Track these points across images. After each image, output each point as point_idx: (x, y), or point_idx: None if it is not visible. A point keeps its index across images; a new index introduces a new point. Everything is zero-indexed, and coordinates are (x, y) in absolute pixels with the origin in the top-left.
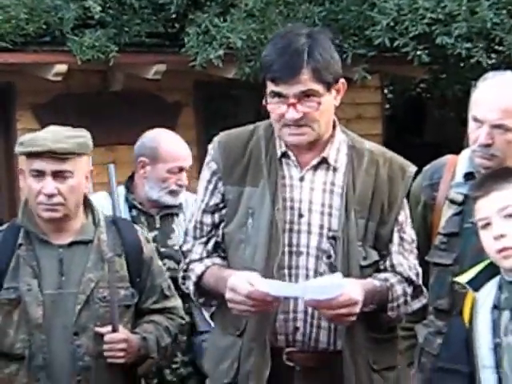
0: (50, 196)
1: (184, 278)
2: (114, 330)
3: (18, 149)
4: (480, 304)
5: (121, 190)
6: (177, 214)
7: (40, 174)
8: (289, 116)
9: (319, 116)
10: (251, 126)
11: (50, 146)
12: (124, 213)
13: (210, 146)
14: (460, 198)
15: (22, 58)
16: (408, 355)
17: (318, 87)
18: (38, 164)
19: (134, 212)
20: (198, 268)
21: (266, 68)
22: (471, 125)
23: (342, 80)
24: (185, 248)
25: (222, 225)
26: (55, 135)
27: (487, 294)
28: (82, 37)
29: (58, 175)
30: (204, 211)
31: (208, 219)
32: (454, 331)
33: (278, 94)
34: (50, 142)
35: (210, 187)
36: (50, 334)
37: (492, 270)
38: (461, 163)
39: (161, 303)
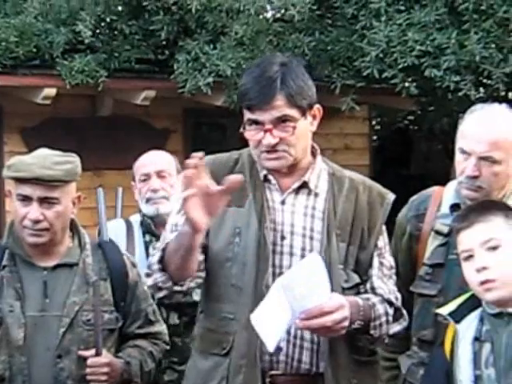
0: (36, 222)
1: (148, 274)
2: (98, 354)
3: (5, 173)
4: (461, 336)
5: (137, 217)
6: None
7: (26, 199)
8: (265, 141)
9: (295, 140)
10: (235, 153)
11: (37, 173)
12: (138, 238)
13: None
14: (445, 230)
15: (11, 81)
16: None
17: (293, 112)
18: (25, 189)
19: (147, 237)
20: (159, 246)
21: (241, 97)
22: (458, 156)
23: (318, 106)
24: (152, 253)
25: (204, 240)
26: (43, 161)
27: (468, 326)
28: (71, 61)
29: (44, 201)
30: (179, 213)
31: (182, 220)
32: (435, 363)
33: (255, 121)
34: (37, 168)
35: None
36: (32, 356)
37: (473, 302)
38: (447, 195)
39: (145, 328)
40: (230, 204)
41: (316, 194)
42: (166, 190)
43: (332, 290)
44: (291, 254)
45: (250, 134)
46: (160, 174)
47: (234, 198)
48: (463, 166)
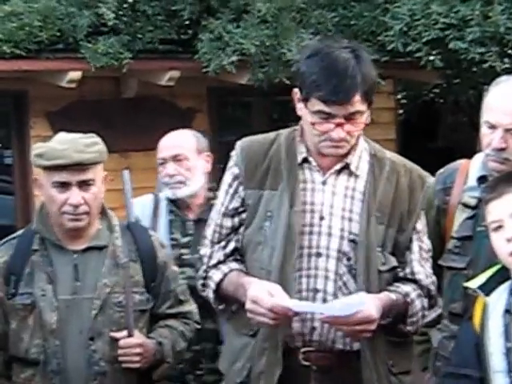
0: (77, 206)
1: (204, 285)
2: (130, 335)
3: (38, 161)
4: (491, 309)
5: (165, 194)
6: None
7: (64, 185)
8: (336, 135)
9: (358, 132)
10: (273, 134)
11: (75, 158)
12: (164, 216)
13: (233, 152)
14: (473, 202)
15: (35, 66)
16: (422, 360)
17: (364, 107)
18: (62, 176)
19: (172, 215)
20: (216, 275)
21: (313, 87)
22: (484, 129)
23: None
24: (203, 252)
25: (242, 229)
26: (74, 146)
27: (498, 299)
28: (95, 44)
29: (82, 184)
30: (224, 214)
31: (228, 222)
32: (464, 336)
33: (327, 113)
34: (73, 153)
35: (231, 191)
36: (65, 339)
37: (503, 275)
38: (473, 167)
39: (175, 308)
40: (264, 188)
41: (356, 176)
42: (182, 174)
43: (369, 273)
44: (329, 235)
45: (318, 123)
46: (176, 158)
47: (269, 181)
48: (489, 138)
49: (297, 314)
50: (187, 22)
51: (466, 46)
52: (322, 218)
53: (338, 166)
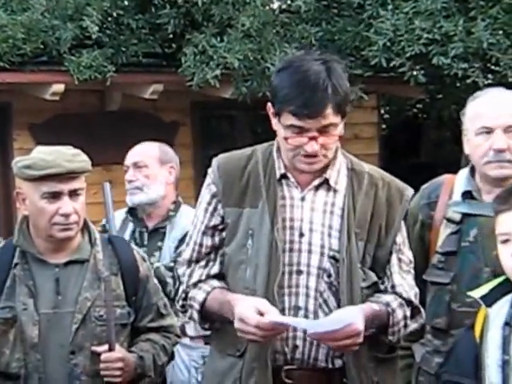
0: (68, 215)
1: (184, 306)
2: (111, 349)
3: (27, 173)
4: (491, 320)
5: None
6: (164, 233)
7: (55, 195)
8: (310, 149)
9: (334, 144)
10: (249, 150)
11: (68, 167)
12: (130, 227)
13: (210, 170)
14: (458, 217)
15: (19, 78)
16: (405, 374)
17: (337, 119)
18: (53, 185)
19: (133, 226)
20: (199, 295)
21: (285, 101)
22: (477, 139)
23: None
24: (180, 272)
25: (223, 249)
26: (62, 155)
27: (499, 311)
28: (79, 57)
29: (72, 194)
30: (203, 233)
31: (208, 241)
32: (463, 345)
33: (299, 127)
34: (63, 162)
35: (210, 209)
36: (46, 353)
37: (506, 287)
38: (458, 182)
39: (157, 322)
40: (244, 205)
41: (335, 191)
42: (139, 180)
43: (352, 291)
44: (310, 252)
45: (290, 137)
46: (136, 165)
47: (248, 198)
48: (488, 143)
49: (286, 325)
50: (171, 36)
51: (449, 62)
52: (301, 235)
53: (316, 182)
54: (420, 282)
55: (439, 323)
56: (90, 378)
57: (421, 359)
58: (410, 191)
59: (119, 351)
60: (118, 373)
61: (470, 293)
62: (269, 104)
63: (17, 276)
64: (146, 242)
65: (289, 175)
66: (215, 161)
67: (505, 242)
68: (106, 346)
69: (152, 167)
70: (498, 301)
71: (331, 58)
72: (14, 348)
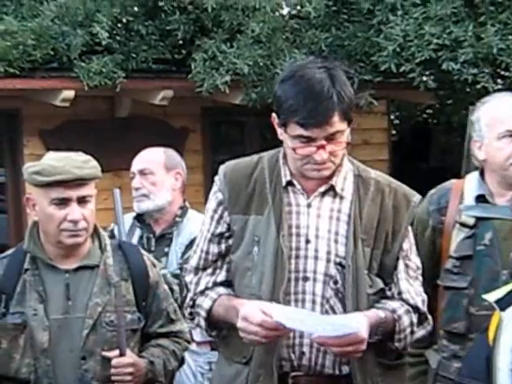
0: (76, 222)
1: (192, 313)
2: (122, 354)
3: (37, 179)
4: (505, 324)
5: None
6: (171, 239)
7: (63, 202)
8: (318, 158)
9: (341, 151)
10: (255, 157)
11: (77, 174)
12: (138, 233)
13: (216, 177)
14: (471, 221)
15: (29, 84)
16: (419, 381)
17: (344, 126)
18: (62, 192)
19: (141, 232)
20: (205, 303)
21: (291, 112)
22: (498, 144)
23: None
24: (188, 279)
25: (230, 257)
26: (72, 162)
27: None
28: (89, 63)
29: (80, 200)
30: (210, 241)
31: (214, 249)
32: (477, 348)
33: (306, 137)
34: (73, 168)
35: (216, 217)
36: (56, 358)
37: None
38: (468, 187)
39: (167, 327)
40: (250, 213)
41: (341, 197)
42: (146, 188)
43: (358, 297)
44: (316, 258)
45: (299, 147)
46: (142, 172)
47: (254, 206)
48: (511, 146)
49: (288, 329)
50: (181, 42)
51: (458, 67)
52: (308, 242)
53: (322, 189)
54: (429, 287)
55: (457, 328)
56: (100, 383)
57: (438, 365)
58: (416, 197)
59: (130, 356)
60: (128, 378)
61: (484, 296)
62: (273, 115)
63: (27, 282)
64: (153, 248)
65: (295, 182)
66: (222, 168)
67: None
68: (116, 352)
69: (158, 174)
70: None
71: (333, 64)
72: (24, 353)
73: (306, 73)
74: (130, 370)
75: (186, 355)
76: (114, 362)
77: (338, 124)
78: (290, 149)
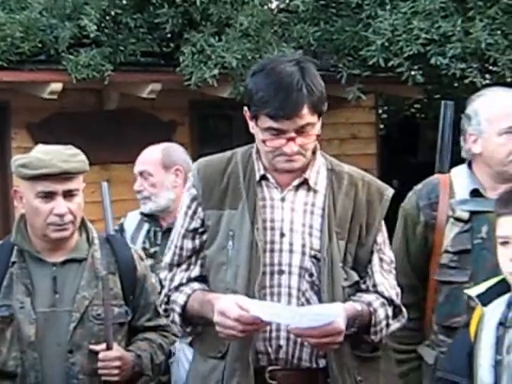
0: (62, 216)
1: (166, 310)
2: (109, 348)
3: (23, 171)
4: (486, 319)
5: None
6: None
7: (49, 195)
8: (288, 150)
9: (312, 144)
10: (229, 153)
11: (63, 167)
12: (145, 228)
13: (190, 173)
14: (466, 216)
15: (17, 77)
16: (411, 378)
17: (314, 119)
18: (47, 185)
19: (148, 226)
20: (180, 298)
21: (261, 104)
22: (499, 139)
23: None
24: (162, 276)
25: (204, 252)
26: (59, 155)
27: (494, 310)
28: (77, 56)
29: (66, 194)
30: (184, 236)
31: (189, 244)
32: (459, 344)
33: (276, 129)
34: (59, 162)
35: (190, 212)
36: (43, 351)
37: (503, 287)
38: (458, 181)
39: (154, 321)
40: (224, 207)
41: (315, 191)
42: (146, 190)
43: (334, 290)
44: (291, 251)
45: (269, 140)
46: (142, 175)
47: (228, 200)
48: None
49: (265, 323)
50: (169, 35)
51: (447, 62)
52: (282, 235)
53: (296, 182)
54: (419, 283)
55: (458, 322)
56: (87, 377)
57: (435, 361)
58: (390, 191)
59: (117, 350)
60: (115, 371)
61: (466, 291)
62: (245, 108)
63: (14, 274)
64: (159, 241)
65: (268, 176)
66: (195, 165)
67: (503, 244)
68: (103, 345)
69: (156, 174)
70: (495, 300)
71: (304, 58)
72: (10, 346)
73: (277, 66)
74: (117, 363)
75: (185, 347)
76: (100, 355)
77: (307, 116)
78: (261, 141)
